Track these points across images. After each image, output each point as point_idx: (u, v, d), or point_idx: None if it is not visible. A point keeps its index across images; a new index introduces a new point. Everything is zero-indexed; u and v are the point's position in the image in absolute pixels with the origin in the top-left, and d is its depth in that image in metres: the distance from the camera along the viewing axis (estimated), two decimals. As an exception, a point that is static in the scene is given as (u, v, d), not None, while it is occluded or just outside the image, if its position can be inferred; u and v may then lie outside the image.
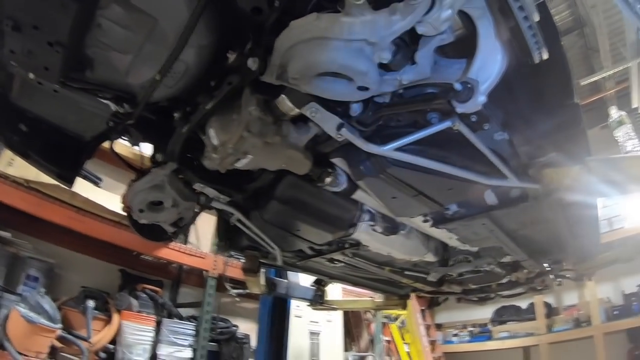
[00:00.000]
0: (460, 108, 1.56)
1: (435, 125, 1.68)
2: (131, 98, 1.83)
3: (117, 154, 2.47)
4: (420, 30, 1.35)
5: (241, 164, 1.90)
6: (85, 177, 4.75)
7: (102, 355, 5.01)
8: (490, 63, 1.52)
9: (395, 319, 10.28)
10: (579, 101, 1.82)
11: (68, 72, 1.65)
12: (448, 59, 1.62)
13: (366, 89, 1.48)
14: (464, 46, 1.56)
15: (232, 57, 1.63)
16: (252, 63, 1.54)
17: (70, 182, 2.50)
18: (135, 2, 1.48)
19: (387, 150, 1.75)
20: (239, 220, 2.57)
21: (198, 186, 2.23)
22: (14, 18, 1.49)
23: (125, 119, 1.92)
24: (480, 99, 1.52)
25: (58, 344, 4.54)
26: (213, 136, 1.86)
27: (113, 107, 1.92)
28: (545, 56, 1.54)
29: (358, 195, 2.36)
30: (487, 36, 1.49)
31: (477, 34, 1.48)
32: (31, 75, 1.72)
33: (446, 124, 1.65)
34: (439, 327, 11.93)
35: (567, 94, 1.81)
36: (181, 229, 2.68)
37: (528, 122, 1.90)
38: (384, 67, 1.48)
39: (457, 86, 1.54)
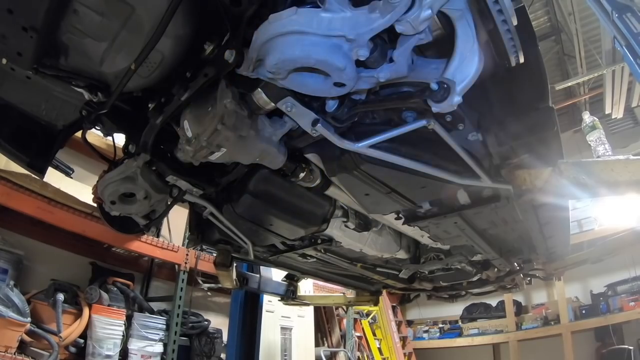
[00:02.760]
0: (435, 107, 1.56)
1: (410, 124, 1.69)
2: (105, 87, 1.80)
3: (89, 144, 2.43)
4: (399, 29, 1.35)
5: (215, 157, 1.88)
6: (56, 167, 4.66)
7: (72, 349, 4.90)
8: (467, 64, 1.53)
9: (367, 314, 10.35)
10: (553, 105, 1.84)
11: (41, 59, 1.62)
12: (425, 59, 1.63)
13: (343, 85, 1.48)
14: (441, 46, 1.57)
15: (209, 48, 1.62)
16: (229, 55, 1.53)
17: (41, 171, 2.45)
18: (112, -11, 1.45)
19: (362, 147, 1.75)
20: (212, 214, 2.55)
21: (171, 178, 2.21)
22: (-13, 2, 1.46)
23: (98, 108, 1.88)
24: (456, 99, 1.53)
25: (27, 338, 4.42)
26: (187, 128, 1.84)
27: (86, 95, 1.88)
28: (522, 60, 1.56)
29: (331, 191, 2.37)
30: (465, 38, 1.49)
31: (456, 35, 1.49)
32: (4, 61, 1.68)
33: (421, 123, 1.66)
34: (409, 323, 12.07)
35: (542, 98, 1.83)
36: (153, 221, 2.65)
37: (502, 124, 1.91)
38: (361, 64, 1.47)
39: (434, 86, 1.54)
